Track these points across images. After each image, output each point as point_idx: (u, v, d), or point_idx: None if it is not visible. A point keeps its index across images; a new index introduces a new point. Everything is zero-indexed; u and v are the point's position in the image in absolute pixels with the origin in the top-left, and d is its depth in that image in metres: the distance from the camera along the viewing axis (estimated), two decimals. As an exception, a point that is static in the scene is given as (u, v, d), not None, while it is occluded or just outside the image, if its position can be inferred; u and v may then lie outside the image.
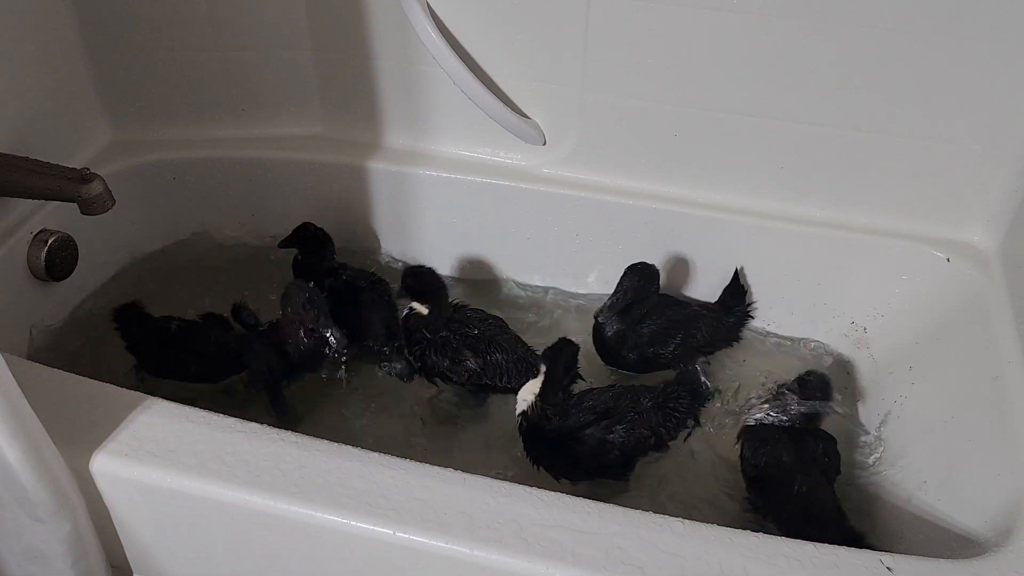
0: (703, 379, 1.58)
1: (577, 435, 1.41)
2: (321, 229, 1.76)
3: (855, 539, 1.31)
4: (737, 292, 1.72)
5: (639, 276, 1.60)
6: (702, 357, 1.68)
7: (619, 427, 1.42)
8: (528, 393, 1.43)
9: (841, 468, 1.46)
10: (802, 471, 1.39)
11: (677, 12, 1.51)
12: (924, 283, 1.62)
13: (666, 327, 1.64)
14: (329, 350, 1.56)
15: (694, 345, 1.66)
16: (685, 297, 1.80)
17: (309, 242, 1.76)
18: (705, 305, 1.73)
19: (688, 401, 1.49)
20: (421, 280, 1.62)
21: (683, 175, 1.70)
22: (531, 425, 1.43)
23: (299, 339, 1.54)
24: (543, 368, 1.42)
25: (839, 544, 1.23)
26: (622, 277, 1.60)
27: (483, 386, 1.61)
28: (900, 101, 1.51)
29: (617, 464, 1.44)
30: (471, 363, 1.57)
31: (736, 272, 1.72)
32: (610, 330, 1.62)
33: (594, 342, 1.65)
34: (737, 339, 1.73)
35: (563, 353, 1.43)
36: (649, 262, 1.62)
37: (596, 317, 1.62)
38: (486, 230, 1.82)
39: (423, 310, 1.60)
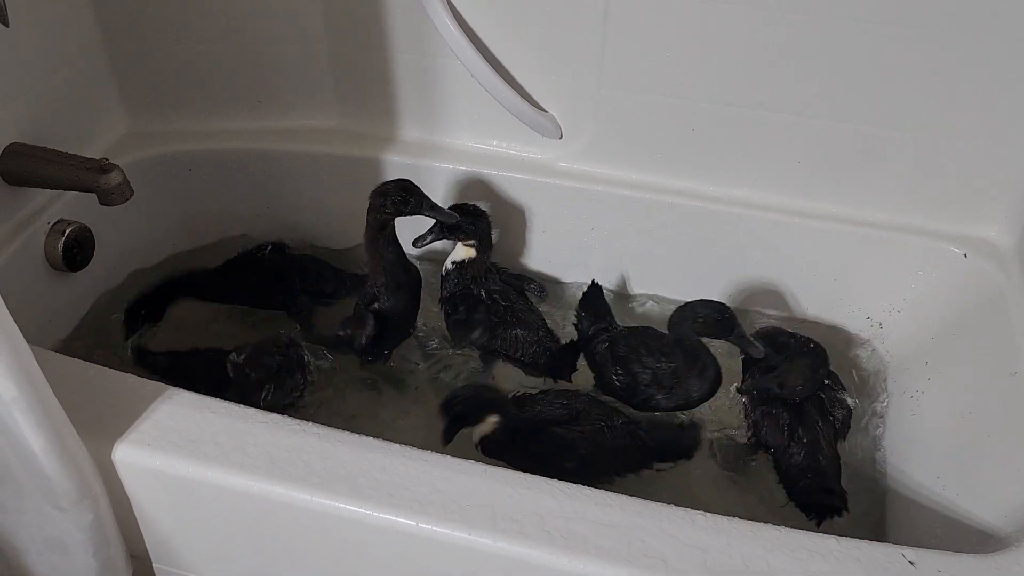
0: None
1: (543, 435, 1.42)
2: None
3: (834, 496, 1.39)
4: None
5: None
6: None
7: (580, 428, 1.42)
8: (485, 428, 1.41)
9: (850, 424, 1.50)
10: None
11: (695, 6, 1.51)
12: (940, 279, 1.61)
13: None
14: None
15: None
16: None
17: None
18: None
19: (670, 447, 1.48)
20: (469, 213, 1.62)
21: (700, 170, 1.70)
22: (498, 443, 1.41)
23: None
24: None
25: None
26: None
27: (494, 352, 1.64)
28: (918, 97, 1.51)
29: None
30: (477, 334, 1.61)
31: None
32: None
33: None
34: None
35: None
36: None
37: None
38: (501, 223, 1.82)
39: (471, 253, 1.61)
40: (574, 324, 1.69)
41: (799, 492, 1.42)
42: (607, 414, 1.46)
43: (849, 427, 1.49)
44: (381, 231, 1.54)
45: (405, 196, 1.51)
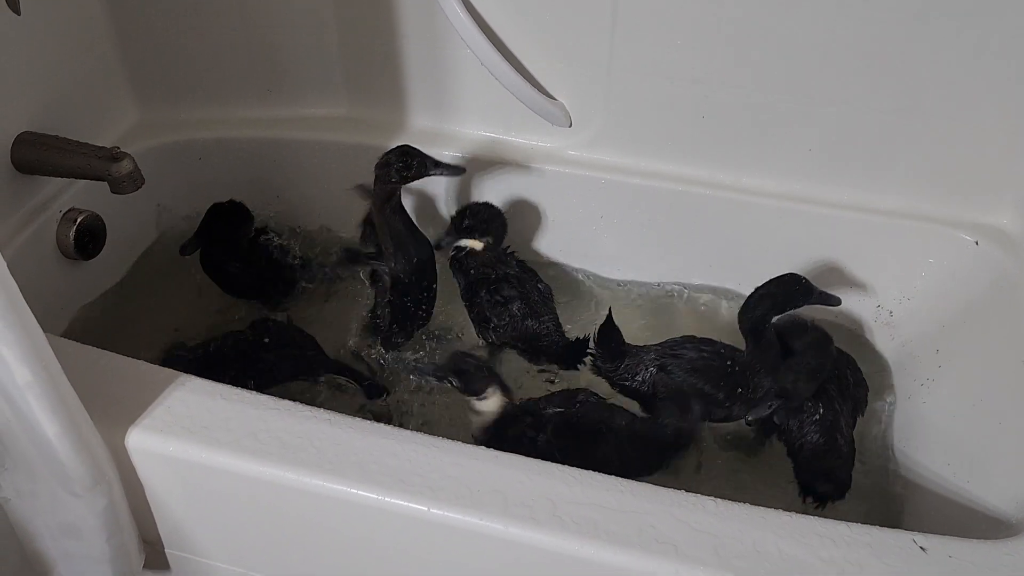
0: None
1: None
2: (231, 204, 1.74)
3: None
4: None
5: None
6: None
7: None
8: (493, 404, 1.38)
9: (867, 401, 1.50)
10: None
11: (706, -8, 1.50)
12: (952, 266, 1.61)
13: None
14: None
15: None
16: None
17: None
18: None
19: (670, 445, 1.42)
20: (481, 215, 1.63)
21: (710, 157, 1.69)
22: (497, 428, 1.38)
23: None
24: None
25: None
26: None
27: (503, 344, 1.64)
28: (929, 83, 1.50)
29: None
30: (515, 307, 1.60)
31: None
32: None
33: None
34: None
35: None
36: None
37: None
38: (510, 212, 1.81)
39: (477, 246, 1.62)
40: (594, 364, 1.57)
41: (810, 473, 1.41)
42: (609, 415, 1.42)
43: (866, 404, 1.49)
44: (388, 201, 1.54)
45: (408, 160, 1.51)
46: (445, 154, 1.78)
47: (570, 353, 1.61)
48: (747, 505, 1.05)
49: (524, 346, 1.64)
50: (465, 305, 1.67)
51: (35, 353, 0.96)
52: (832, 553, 1.00)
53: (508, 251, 1.68)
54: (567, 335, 1.64)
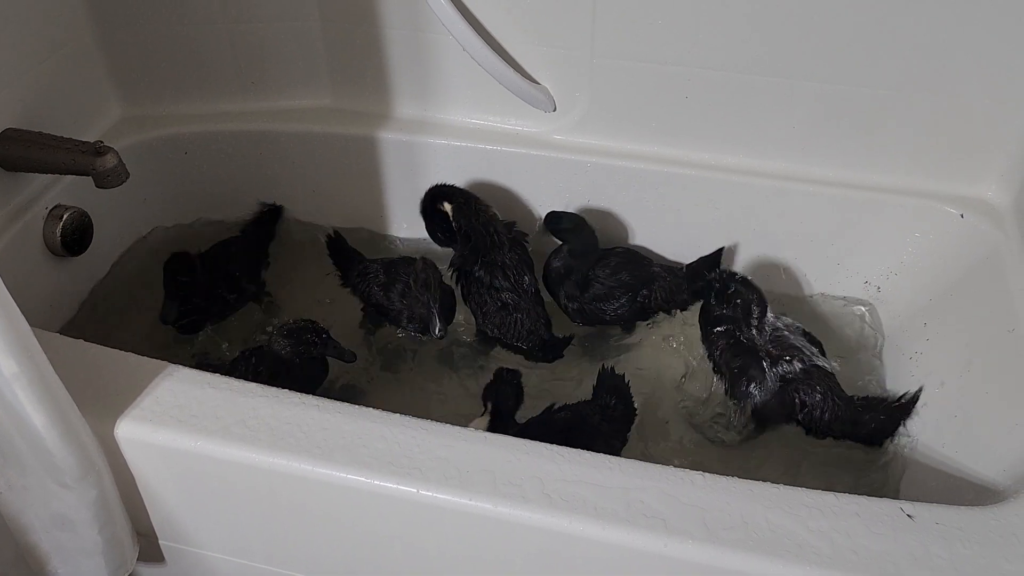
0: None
1: None
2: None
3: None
4: (711, 264, 1.70)
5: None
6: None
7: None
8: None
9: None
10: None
11: (686, -28, 1.50)
12: (938, 240, 1.61)
13: (614, 288, 1.66)
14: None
15: (644, 305, 1.69)
16: (654, 255, 1.82)
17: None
18: (669, 268, 1.72)
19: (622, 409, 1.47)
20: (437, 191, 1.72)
21: (694, 138, 1.69)
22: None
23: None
24: (488, 407, 1.40)
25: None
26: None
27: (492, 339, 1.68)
28: (913, 57, 1.50)
29: None
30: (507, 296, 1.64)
31: (721, 249, 1.71)
32: (558, 269, 1.69)
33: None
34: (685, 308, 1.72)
35: (507, 388, 1.44)
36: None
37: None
38: (497, 198, 1.82)
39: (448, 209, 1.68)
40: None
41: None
42: (582, 417, 1.44)
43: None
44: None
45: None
46: (430, 142, 1.80)
47: (553, 348, 1.66)
48: (735, 478, 1.06)
49: (512, 341, 1.66)
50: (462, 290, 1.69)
51: (20, 344, 0.96)
52: (820, 523, 1.01)
53: (513, 226, 1.70)
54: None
